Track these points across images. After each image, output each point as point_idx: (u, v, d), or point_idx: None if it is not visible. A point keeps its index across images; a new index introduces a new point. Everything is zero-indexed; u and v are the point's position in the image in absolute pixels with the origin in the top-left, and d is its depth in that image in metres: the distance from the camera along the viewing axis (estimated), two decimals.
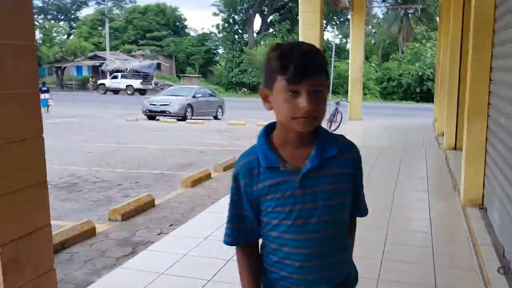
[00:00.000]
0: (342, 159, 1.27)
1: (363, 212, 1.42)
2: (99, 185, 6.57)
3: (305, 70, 1.15)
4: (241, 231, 1.34)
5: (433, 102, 26.44)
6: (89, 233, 4.41)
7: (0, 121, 1.99)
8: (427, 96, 28.33)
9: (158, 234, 4.51)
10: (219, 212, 4.92)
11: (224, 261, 3.56)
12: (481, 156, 4.51)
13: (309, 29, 8.26)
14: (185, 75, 43.49)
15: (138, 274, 3.40)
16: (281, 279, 1.28)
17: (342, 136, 1.32)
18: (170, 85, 33.81)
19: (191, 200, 5.76)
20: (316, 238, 1.24)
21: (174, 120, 17.30)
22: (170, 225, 4.78)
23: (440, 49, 11.51)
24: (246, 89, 38.98)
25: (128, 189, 6.35)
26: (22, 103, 2.16)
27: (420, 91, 28.86)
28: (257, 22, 44.35)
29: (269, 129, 1.29)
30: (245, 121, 16.30)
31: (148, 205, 5.37)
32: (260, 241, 1.36)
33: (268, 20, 43.73)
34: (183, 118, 17.76)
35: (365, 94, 15.65)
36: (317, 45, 8.27)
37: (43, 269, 2.32)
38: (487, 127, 4.47)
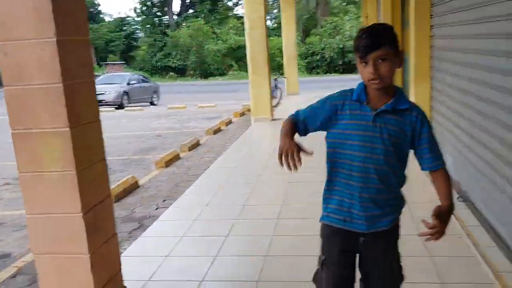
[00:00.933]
0: (409, 114, 1.76)
1: (439, 163, 1.80)
2: None
3: (369, 47, 1.68)
4: (307, 118, 1.87)
5: (356, 73, 28.09)
6: None
7: (75, 107, 2.34)
8: (349, 68, 29.91)
9: (156, 209, 4.88)
10: (206, 185, 5.37)
11: (233, 220, 4.04)
12: (427, 113, 5.31)
13: (254, 8, 8.75)
14: (107, 62, 41.98)
15: (161, 239, 3.80)
16: (348, 178, 1.81)
17: (415, 103, 1.84)
18: (94, 75, 32.58)
19: (171, 179, 6.12)
20: (378, 159, 1.76)
21: (112, 108, 17.06)
22: (164, 201, 5.15)
23: (367, 23, 12.46)
24: (173, 73, 38.62)
25: None
26: (86, 91, 2.51)
27: (342, 63, 30.40)
28: (177, 4, 43.73)
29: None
30: (184, 104, 16.48)
31: (133, 186, 5.67)
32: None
33: (188, 1, 43.24)
34: (120, 106, 17.57)
35: None
36: (263, 22, 8.81)
37: (110, 233, 2.71)
38: (431, 86, 5.28)
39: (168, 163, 6.86)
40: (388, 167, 1.79)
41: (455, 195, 4.11)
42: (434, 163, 1.79)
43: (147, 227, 4.20)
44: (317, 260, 1.97)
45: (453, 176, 4.41)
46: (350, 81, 22.18)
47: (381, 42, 1.69)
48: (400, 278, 1.95)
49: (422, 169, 1.83)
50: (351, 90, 1.84)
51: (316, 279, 2.02)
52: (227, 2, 43.96)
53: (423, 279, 2.86)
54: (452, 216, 3.64)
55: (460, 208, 3.85)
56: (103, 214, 2.63)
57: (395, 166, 1.81)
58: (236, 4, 44.39)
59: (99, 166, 2.63)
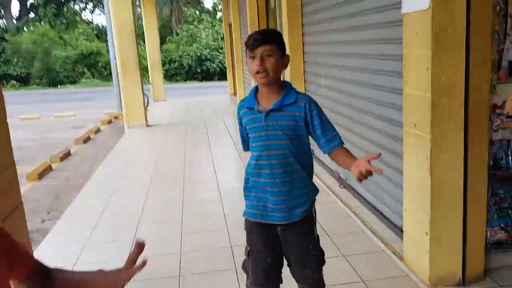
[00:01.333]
0: (297, 106, 1.93)
1: (334, 145, 1.95)
2: None
3: (256, 42, 1.89)
4: (245, 141, 2.10)
5: (214, 80, 28.80)
6: None
7: None
8: (207, 75, 30.51)
9: (43, 222, 4.55)
10: (93, 194, 5.15)
11: (135, 224, 4.00)
12: None
13: (122, 11, 8.56)
14: None
15: (62, 250, 3.60)
16: (258, 176, 2.00)
17: (304, 93, 2.06)
18: None
19: (49, 191, 5.71)
20: (279, 154, 1.95)
21: None
22: (48, 213, 4.81)
23: (231, 31, 12.99)
24: (15, 82, 34.98)
25: None
26: None
27: (201, 71, 30.81)
28: (16, 7, 39.77)
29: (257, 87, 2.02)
30: (38, 114, 15.11)
31: None
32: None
33: (29, 4, 39.63)
34: None
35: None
36: (132, 25, 8.66)
37: (25, 241, 2.55)
38: (305, 88, 5.84)
39: (41, 175, 6.36)
40: (293, 159, 1.95)
41: (336, 184, 4.65)
42: (330, 146, 1.95)
43: (38, 241, 3.90)
44: (244, 250, 2.13)
45: (332, 166, 4.98)
46: (207, 88, 22.73)
47: (268, 39, 1.91)
48: (321, 262, 2.15)
49: (324, 152, 1.99)
50: (244, 100, 2.06)
51: (244, 267, 2.17)
52: (74, 6, 41.41)
53: (326, 254, 3.22)
54: (338, 200, 4.11)
55: (343, 194, 4.38)
56: (17, 222, 2.46)
57: (298, 157, 1.96)
58: (84, 9, 42.10)
59: (9, 171, 2.45)
